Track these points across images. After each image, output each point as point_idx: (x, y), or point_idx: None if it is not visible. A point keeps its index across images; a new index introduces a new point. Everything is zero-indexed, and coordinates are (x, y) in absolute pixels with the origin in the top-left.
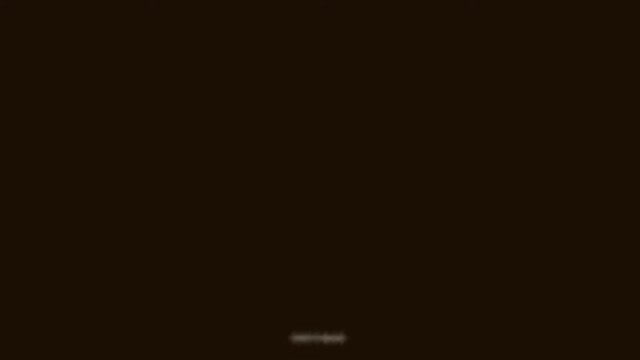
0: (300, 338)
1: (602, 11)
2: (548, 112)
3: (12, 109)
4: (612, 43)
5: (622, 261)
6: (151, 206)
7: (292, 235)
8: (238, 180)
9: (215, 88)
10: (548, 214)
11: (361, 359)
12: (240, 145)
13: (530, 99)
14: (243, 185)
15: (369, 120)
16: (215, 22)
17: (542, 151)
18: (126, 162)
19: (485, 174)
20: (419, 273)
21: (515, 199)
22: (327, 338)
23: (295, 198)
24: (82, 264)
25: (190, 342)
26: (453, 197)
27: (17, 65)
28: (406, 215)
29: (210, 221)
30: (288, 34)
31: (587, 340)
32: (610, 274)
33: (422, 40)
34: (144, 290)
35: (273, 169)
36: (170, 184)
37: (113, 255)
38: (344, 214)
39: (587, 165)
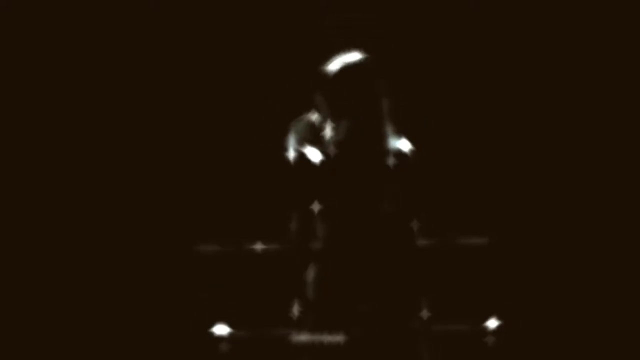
0: (300, 338)
1: (602, 11)
2: (547, 111)
3: (12, 108)
4: (612, 43)
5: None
6: (148, 205)
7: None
8: (238, 180)
9: (215, 87)
10: (546, 213)
11: (361, 359)
12: (239, 145)
13: (530, 98)
14: (243, 185)
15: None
16: (215, 22)
17: (541, 150)
18: (127, 161)
19: (484, 173)
20: (418, 274)
21: (513, 198)
22: (327, 338)
23: (294, 197)
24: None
25: (191, 342)
26: (452, 196)
27: (17, 65)
28: (405, 214)
29: (209, 222)
30: (288, 34)
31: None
32: (609, 273)
33: (422, 40)
34: (143, 290)
35: (273, 168)
36: (169, 183)
37: (110, 255)
38: (343, 214)
39: (586, 164)
